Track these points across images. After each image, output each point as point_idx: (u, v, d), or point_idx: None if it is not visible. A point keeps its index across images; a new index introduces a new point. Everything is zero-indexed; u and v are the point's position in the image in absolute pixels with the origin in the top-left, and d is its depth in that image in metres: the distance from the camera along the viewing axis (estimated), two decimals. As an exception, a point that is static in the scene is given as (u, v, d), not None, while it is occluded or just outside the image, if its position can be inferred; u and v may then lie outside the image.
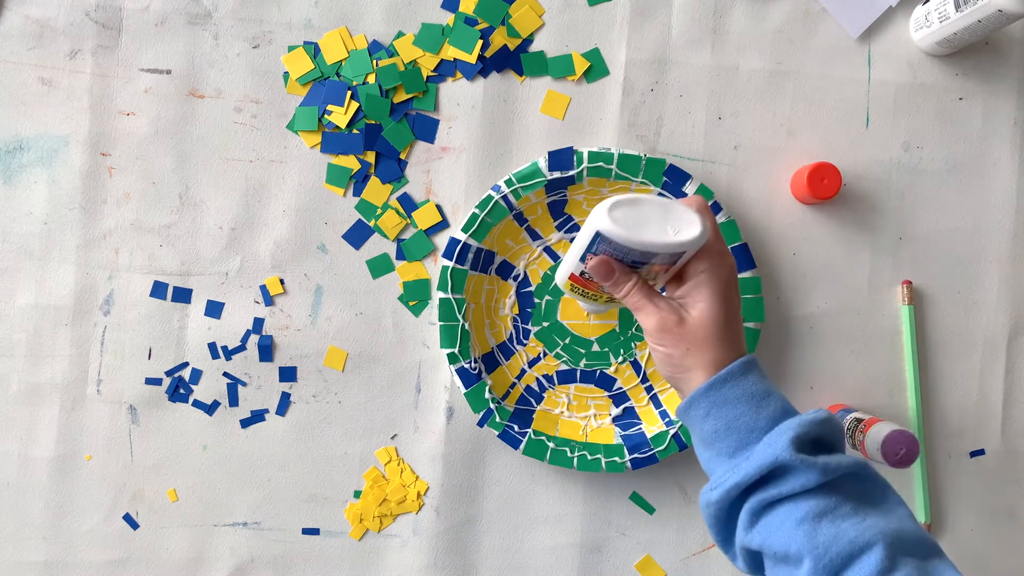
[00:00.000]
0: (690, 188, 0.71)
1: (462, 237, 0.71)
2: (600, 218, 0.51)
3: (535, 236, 0.73)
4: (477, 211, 0.71)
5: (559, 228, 0.73)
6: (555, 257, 0.74)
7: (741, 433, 0.52)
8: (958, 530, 0.75)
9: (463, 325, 0.71)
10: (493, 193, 0.71)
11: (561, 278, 0.58)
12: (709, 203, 0.70)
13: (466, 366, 0.71)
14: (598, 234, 0.52)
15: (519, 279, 0.74)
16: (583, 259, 0.55)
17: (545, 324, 0.74)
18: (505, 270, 0.74)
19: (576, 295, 0.59)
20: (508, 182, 0.70)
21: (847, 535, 0.48)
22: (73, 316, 0.72)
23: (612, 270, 0.54)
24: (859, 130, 0.75)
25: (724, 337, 0.53)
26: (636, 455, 0.72)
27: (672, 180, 0.71)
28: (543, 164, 0.70)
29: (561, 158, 0.70)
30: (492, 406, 0.72)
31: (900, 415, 0.75)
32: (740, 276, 0.71)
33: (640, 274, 0.55)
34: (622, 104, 0.73)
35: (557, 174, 0.70)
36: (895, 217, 0.75)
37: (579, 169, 0.70)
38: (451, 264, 0.71)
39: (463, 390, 0.71)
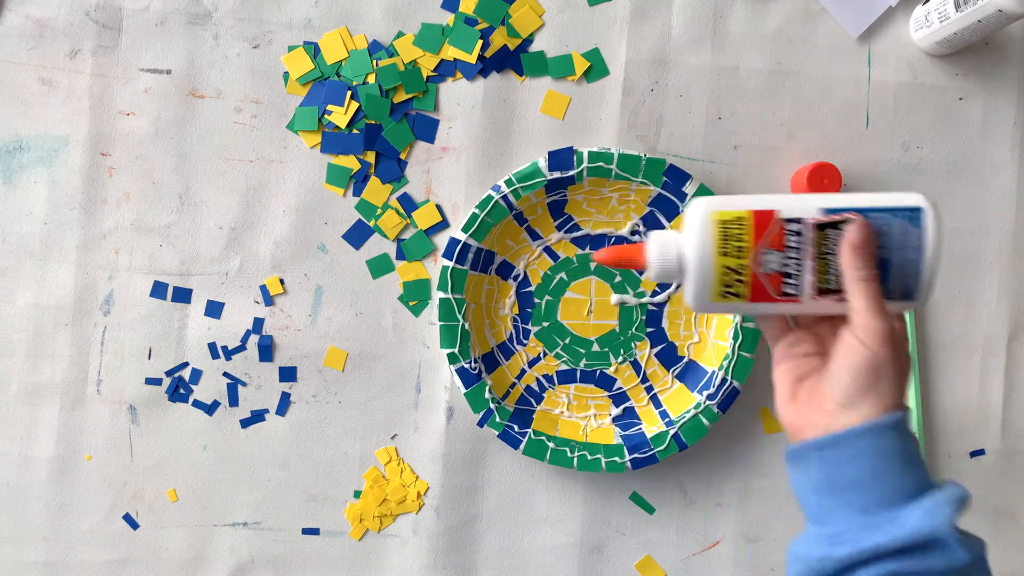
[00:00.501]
0: (690, 188, 0.71)
1: (462, 237, 0.71)
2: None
3: (535, 236, 0.73)
4: (477, 211, 0.71)
5: (559, 228, 0.73)
6: (555, 257, 0.74)
7: (886, 490, 0.46)
8: (958, 530, 0.75)
9: (463, 325, 0.71)
10: (493, 193, 0.71)
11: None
12: None
13: (466, 366, 0.71)
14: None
15: (519, 279, 0.74)
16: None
17: (545, 324, 0.74)
18: (505, 270, 0.74)
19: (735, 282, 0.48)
20: (508, 182, 0.70)
21: None
22: (73, 316, 0.72)
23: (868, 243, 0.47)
24: (859, 130, 0.75)
25: (885, 376, 0.47)
26: (636, 455, 0.72)
27: (672, 180, 0.71)
28: (543, 164, 0.70)
29: (561, 158, 0.70)
30: (492, 406, 0.72)
31: (900, 415, 0.75)
32: None
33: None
34: (622, 104, 0.73)
35: (557, 174, 0.70)
36: (895, 217, 0.75)
37: (579, 169, 0.70)
38: (451, 264, 0.71)
39: (463, 390, 0.71)
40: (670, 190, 0.71)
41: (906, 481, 0.46)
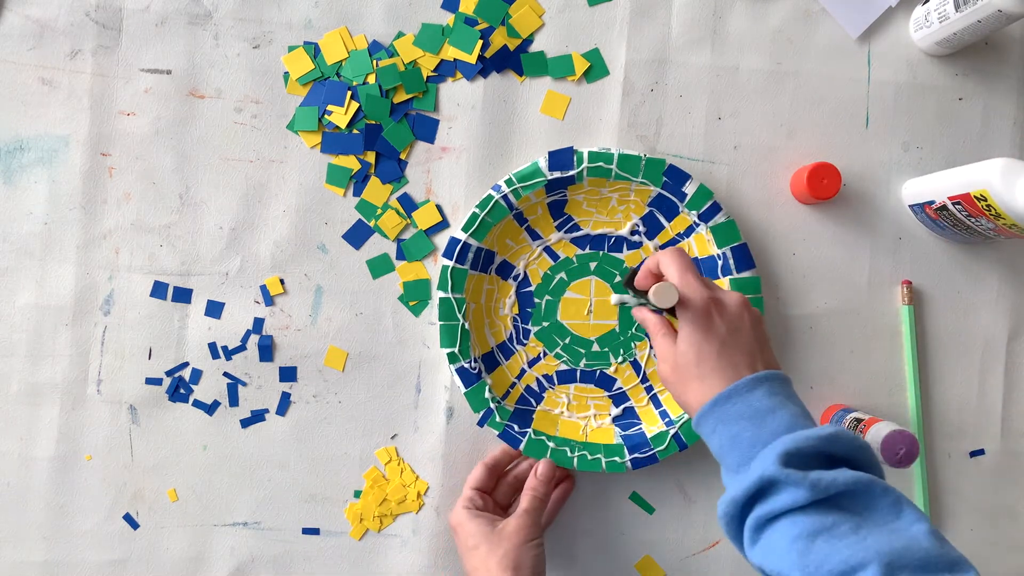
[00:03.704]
0: (690, 188, 0.71)
1: (462, 237, 0.71)
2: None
3: (535, 236, 0.73)
4: (477, 211, 0.71)
5: (559, 228, 0.73)
6: (555, 257, 0.74)
7: (743, 448, 0.53)
8: (958, 530, 0.75)
9: (463, 324, 0.71)
10: (493, 193, 0.71)
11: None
12: (709, 203, 0.70)
13: (466, 365, 0.71)
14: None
15: (519, 279, 0.74)
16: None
17: (545, 324, 0.74)
18: (505, 270, 0.74)
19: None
20: (508, 182, 0.70)
21: (840, 554, 0.46)
22: (73, 316, 0.72)
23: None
24: (859, 130, 0.75)
25: (709, 368, 0.56)
26: (636, 455, 0.72)
27: (672, 180, 0.71)
28: (543, 164, 0.70)
29: (561, 158, 0.70)
30: (492, 406, 0.72)
31: (900, 415, 0.75)
32: (739, 276, 0.71)
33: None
34: (622, 104, 0.73)
35: (557, 174, 0.70)
36: (895, 217, 0.75)
37: (579, 169, 0.70)
38: (451, 264, 0.71)
39: (463, 389, 0.71)
40: (670, 190, 0.71)
41: (761, 435, 0.52)
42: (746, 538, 0.51)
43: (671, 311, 0.59)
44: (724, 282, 0.72)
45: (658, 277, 0.61)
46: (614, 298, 0.74)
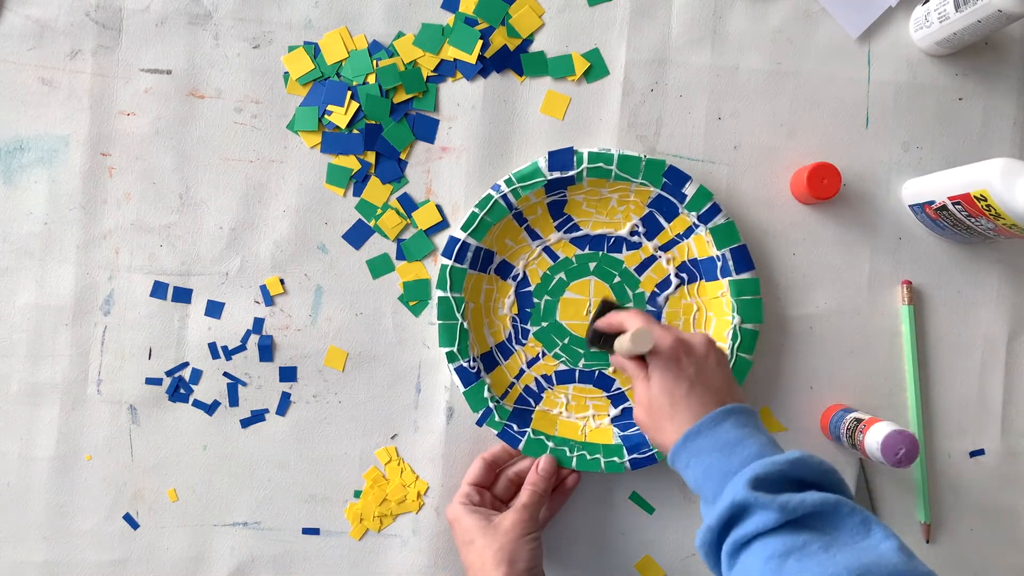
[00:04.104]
0: (689, 189, 0.71)
1: (461, 236, 0.71)
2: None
3: (535, 236, 0.73)
4: (477, 210, 0.71)
5: (558, 228, 0.73)
6: (554, 257, 0.74)
7: (716, 479, 0.55)
8: (958, 530, 0.75)
9: (462, 324, 0.71)
10: (493, 192, 0.71)
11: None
12: (708, 204, 0.71)
13: (465, 365, 0.71)
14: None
15: (518, 279, 0.74)
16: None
17: (544, 324, 0.74)
18: (504, 270, 0.74)
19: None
20: (508, 181, 0.70)
21: (811, 572, 0.47)
22: (73, 316, 0.72)
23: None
24: (859, 130, 0.75)
25: (681, 408, 0.59)
26: (635, 455, 0.72)
27: (672, 181, 0.71)
28: (543, 164, 0.70)
29: (561, 158, 0.70)
30: (491, 405, 0.72)
31: (900, 415, 0.75)
32: (738, 277, 0.71)
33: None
34: (622, 104, 0.73)
35: (557, 174, 0.70)
36: (895, 217, 0.75)
37: (579, 169, 0.70)
38: (450, 263, 0.71)
39: (462, 389, 0.71)
40: (670, 191, 0.71)
41: (731, 465, 0.55)
42: (723, 564, 0.53)
43: (642, 357, 0.62)
44: (723, 283, 0.72)
45: (619, 333, 0.64)
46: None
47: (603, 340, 0.66)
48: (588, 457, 0.72)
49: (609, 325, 0.65)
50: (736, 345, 0.71)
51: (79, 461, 0.73)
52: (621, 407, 0.74)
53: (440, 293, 0.71)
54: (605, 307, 0.68)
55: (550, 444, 0.72)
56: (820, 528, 0.51)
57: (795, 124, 0.74)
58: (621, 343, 0.61)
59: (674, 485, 0.75)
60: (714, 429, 0.57)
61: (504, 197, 0.71)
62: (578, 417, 0.74)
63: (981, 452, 0.76)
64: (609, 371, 0.74)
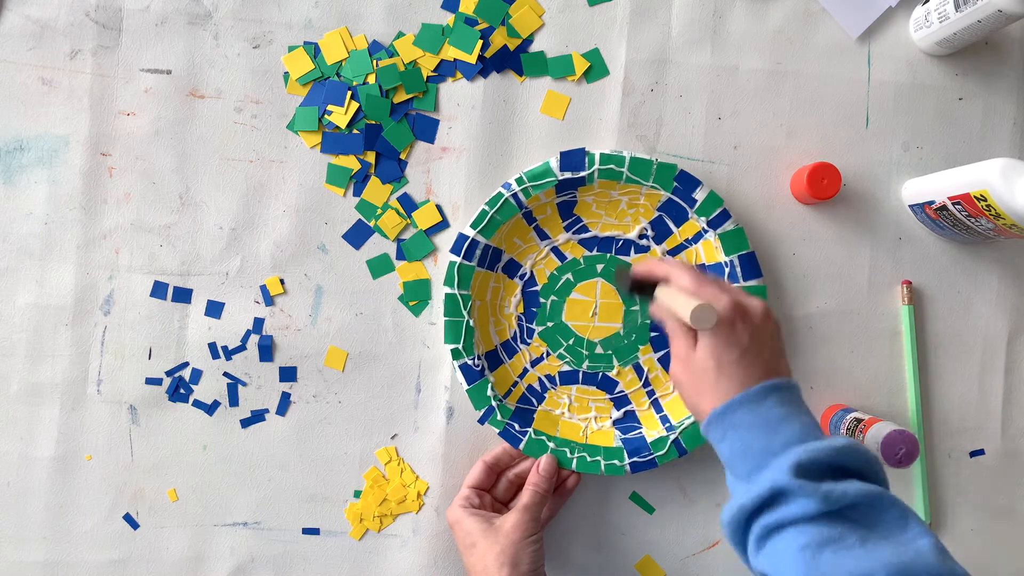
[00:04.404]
0: (700, 194, 0.70)
1: (470, 233, 0.71)
2: None
3: (543, 236, 0.73)
4: (487, 208, 0.71)
5: (567, 229, 0.73)
6: (562, 257, 0.74)
7: (754, 456, 0.53)
8: (958, 530, 0.75)
9: (467, 321, 0.71)
10: (503, 191, 0.71)
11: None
12: (718, 210, 0.70)
13: (469, 362, 0.71)
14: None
15: (525, 278, 0.74)
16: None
17: (549, 324, 0.74)
18: (512, 268, 0.74)
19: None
20: (519, 180, 0.70)
21: (847, 566, 0.46)
22: (73, 316, 0.72)
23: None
24: (859, 130, 0.75)
25: (726, 376, 0.55)
26: (636, 459, 0.72)
27: (682, 185, 0.70)
28: (554, 164, 0.70)
29: (573, 159, 0.70)
30: (493, 404, 0.72)
31: (900, 415, 0.75)
32: (746, 284, 0.71)
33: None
34: (622, 104, 0.73)
35: (568, 174, 0.70)
36: (895, 217, 0.75)
37: (590, 171, 0.70)
38: (459, 260, 0.71)
39: (465, 386, 0.71)
40: (680, 195, 0.71)
41: (773, 444, 0.52)
42: (751, 545, 0.51)
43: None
44: None
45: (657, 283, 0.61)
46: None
47: (642, 288, 0.62)
48: (589, 459, 0.72)
49: (650, 272, 0.61)
50: None
51: (79, 461, 0.73)
52: (623, 410, 0.74)
53: (447, 290, 0.71)
54: (621, 272, 0.66)
55: (551, 445, 0.72)
56: (858, 520, 0.49)
57: (795, 124, 0.74)
58: (668, 300, 0.58)
59: (674, 485, 0.75)
60: (758, 404, 0.54)
61: (514, 196, 0.71)
62: (580, 418, 0.74)
63: (981, 452, 0.76)
64: (612, 373, 0.74)
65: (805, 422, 0.54)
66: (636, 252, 0.73)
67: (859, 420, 0.70)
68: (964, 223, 0.69)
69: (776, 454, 0.52)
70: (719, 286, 0.58)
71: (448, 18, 0.73)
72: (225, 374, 0.73)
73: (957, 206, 0.68)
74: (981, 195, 0.64)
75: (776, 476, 0.50)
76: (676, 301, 0.57)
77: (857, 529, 0.48)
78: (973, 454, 0.76)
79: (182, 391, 0.73)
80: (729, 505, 0.52)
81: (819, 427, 0.55)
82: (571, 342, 0.74)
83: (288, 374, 0.73)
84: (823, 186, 0.71)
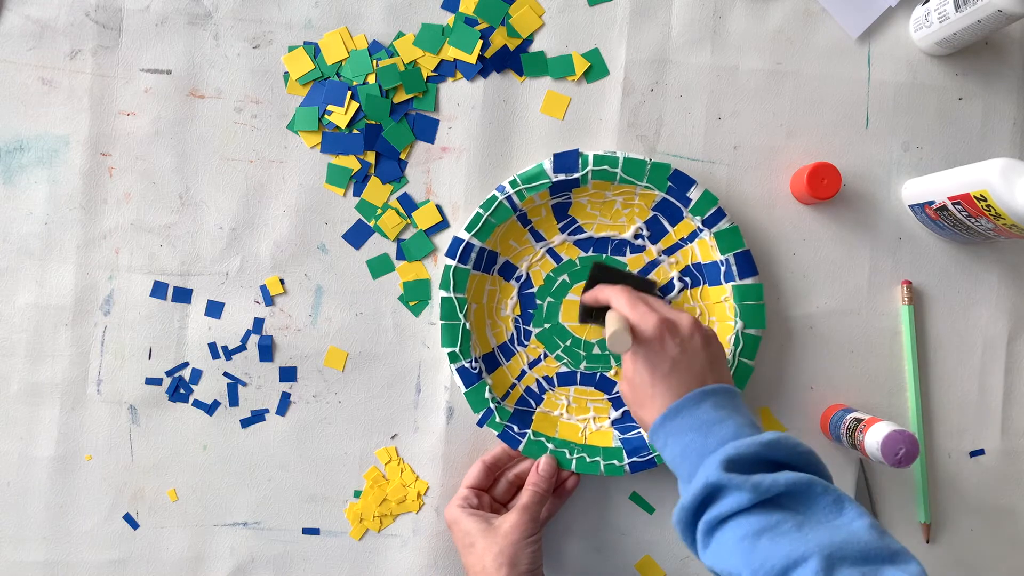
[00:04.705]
0: (694, 193, 0.70)
1: (465, 236, 0.71)
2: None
3: (538, 238, 0.73)
4: (481, 211, 0.71)
5: (562, 230, 0.73)
6: (558, 259, 0.74)
7: (693, 458, 0.56)
8: (958, 530, 0.75)
9: (464, 324, 0.71)
10: (497, 193, 0.71)
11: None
12: (713, 209, 0.71)
13: (466, 365, 0.71)
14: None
15: (521, 280, 0.74)
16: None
17: (546, 326, 0.74)
18: (508, 271, 0.74)
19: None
20: (513, 183, 0.70)
21: (783, 550, 0.48)
22: (73, 316, 0.72)
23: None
24: (859, 130, 0.75)
25: (661, 387, 0.59)
26: (634, 459, 0.72)
27: (677, 185, 0.70)
28: (548, 166, 0.70)
29: (566, 160, 0.70)
30: (492, 406, 0.72)
31: (900, 415, 0.75)
32: (742, 283, 0.71)
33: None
34: (622, 104, 0.73)
35: (562, 176, 0.70)
36: (895, 217, 0.75)
37: (584, 172, 0.70)
38: (454, 263, 0.71)
39: (463, 389, 0.71)
40: (674, 195, 0.71)
41: (708, 445, 0.55)
42: (699, 542, 0.54)
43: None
44: (727, 288, 0.72)
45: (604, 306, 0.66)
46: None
47: (594, 314, 0.68)
48: (588, 459, 0.72)
49: (595, 300, 0.67)
50: (738, 350, 0.71)
51: (79, 461, 0.73)
52: (622, 410, 0.74)
53: (443, 293, 0.71)
54: (597, 272, 0.69)
55: (550, 446, 0.72)
56: (793, 507, 0.51)
57: (795, 124, 0.74)
58: (609, 321, 0.62)
59: (674, 485, 0.75)
60: (693, 409, 0.57)
61: (509, 198, 0.71)
62: (579, 419, 0.74)
63: (981, 452, 0.76)
64: (610, 374, 0.74)
65: (739, 422, 0.56)
66: (632, 252, 0.73)
67: (859, 420, 0.70)
68: (964, 223, 0.69)
69: (710, 453, 0.54)
70: (649, 306, 0.62)
71: (448, 18, 0.73)
72: (225, 374, 0.73)
73: (957, 206, 0.68)
74: (981, 195, 0.64)
75: (708, 473, 0.52)
76: (610, 325, 0.61)
77: (792, 516, 0.51)
78: (973, 454, 0.76)
79: (182, 391, 0.73)
80: (675, 507, 0.55)
81: (755, 426, 0.57)
82: (568, 343, 0.74)
83: (288, 374, 0.73)
84: (823, 186, 0.71)
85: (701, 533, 0.53)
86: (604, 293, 0.66)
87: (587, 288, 0.70)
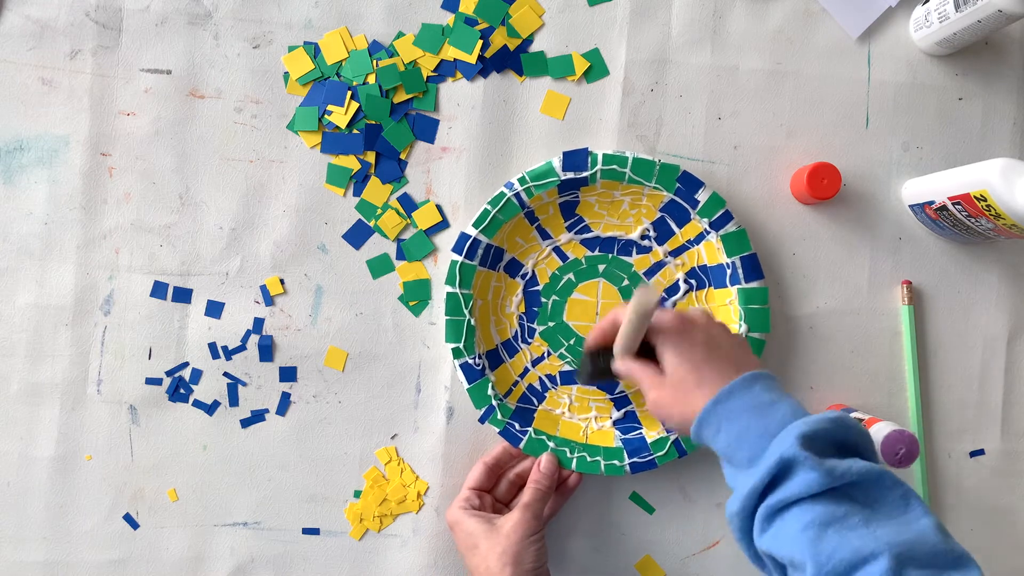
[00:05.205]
0: (703, 195, 0.70)
1: (472, 232, 0.71)
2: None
3: (545, 236, 0.73)
4: (489, 207, 0.70)
5: (569, 229, 0.73)
6: (564, 257, 0.74)
7: (753, 440, 0.53)
8: (958, 530, 0.75)
9: (469, 320, 0.71)
10: (505, 190, 0.70)
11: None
12: (721, 211, 0.70)
13: (470, 361, 0.71)
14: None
15: (527, 278, 0.74)
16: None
17: (551, 324, 0.74)
18: (513, 268, 0.74)
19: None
20: (521, 180, 0.70)
21: (851, 544, 0.47)
22: (73, 316, 0.72)
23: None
24: (859, 130, 0.75)
25: (703, 372, 0.58)
26: (635, 459, 0.72)
27: (685, 187, 0.70)
28: (557, 164, 0.70)
29: (575, 159, 0.70)
30: (494, 403, 0.72)
31: (900, 415, 0.75)
32: (747, 286, 0.71)
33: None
34: (622, 104, 0.73)
35: (571, 174, 0.70)
36: (895, 217, 0.75)
37: (593, 171, 0.70)
38: (460, 259, 0.71)
39: (466, 385, 0.71)
40: (682, 196, 0.71)
41: (770, 426, 0.53)
42: (756, 527, 0.52)
43: (649, 354, 0.61)
44: (732, 291, 0.72)
45: (612, 333, 0.63)
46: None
47: (601, 361, 0.64)
48: (588, 459, 0.72)
49: (603, 333, 0.64)
50: None
51: (79, 461, 0.73)
52: (623, 410, 0.74)
53: (448, 289, 0.71)
54: (583, 364, 0.67)
55: (551, 444, 0.72)
56: (861, 499, 0.50)
57: (795, 124, 0.74)
58: (621, 339, 0.60)
59: (674, 485, 0.75)
60: (746, 391, 0.55)
61: (517, 195, 0.70)
62: (580, 418, 0.74)
63: (981, 452, 0.76)
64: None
65: (794, 403, 0.55)
66: (638, 253, 0.73)
67: (859, 420, 0.70)
68: (964, 223, 0.69)
69: (774, 434, 0.53)
70: (659, 308, 0.61)
71: (448, 18, 0.73)
72: (225, 374, 0.73)
73: (957, 206, 0.68)
74: (981, 195, 0.64)
75: (783, 447, 0.50)
76: (622, 333, 0.60)
77: (860, 509, 0.49)
78: (973, 454, 0.76)
79: (182, 391, 0.73)
80: (736, 495, 0.53)
81: (805, 410, 0.56)
82: (572, 342, 0.74)
83: (288, 374, 0.73)
84: (823, 186, 0.71)
85: (761, 518, 0.51)
86: (603, 321, 0.64)
87: (581, 375, 0.67)
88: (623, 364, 0.62)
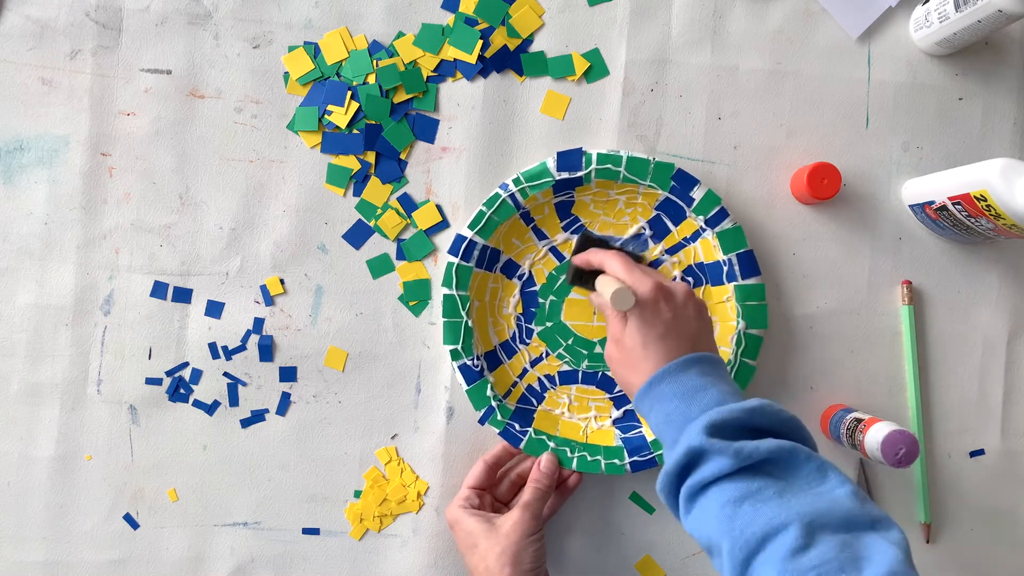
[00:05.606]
0: (698, 193, 0.70)
1: (468, 234, 0.71)
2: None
3: (541, 236, 0.73)
4: (484, 208, 0.71)
5: (565, 229, 0.73)
6: (560, 257, 0.74)
7: (677, 424, 0.55)
8: (958, 530, 0.75)
9: (466, 322, 0.71)
10: (500, 191, 0.71)
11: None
12: (716, 208, 0.71)
13: (468, 363, 0.71)
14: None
15: (524, 278, 0.74)
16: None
17: (548, 324, 0.74)
18: (510, 269, 0.74)
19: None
20: (516, 181, 0.70)
21: (764, 516, 0.48)
22: (73, 316, 0.72)
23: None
24: (859, 130, 0.75)
25: (649, 350, 0.59)
26: (636, 458, 0.72)
27: (680, 184, 0.70)
28: (551, 164, 0.70)
29: (570, 159, 0.70)
30: (493, 404, 0.72)
31: (900, 415, 0.75)
32: (744, 283, 0.71)
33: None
34: (622, 104, 0.73)
35: (565, 175, 0.70)
36: (895, 217, 0.75)
37: (587, 170, 0.70)
38: (456, 260, 0.71)
39: (465, 387, 0.71)
40: (677, 194, 0.71)
41: (691, 412, 0.55)
42: (681, 508, 0.54)
43: None
44: (729, 288, 0.72)
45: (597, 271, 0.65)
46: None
47: (583, 277, 0.67)
48: (589, 458, 0.72)
49: (587, 263, 0.66)
50: (740, 350, 0.71)
51: (79, 461, 0.73)
52: (623, 409, 0.74)
53: (445, 291, 0.71)
54: (584, 242, 0.69)
55: (551, 444, 0.72)
56: (776, 474, 0.51)
57: (795, 124, 0.74)
58: (602, 287, 0.62)
59: (674, 485, 0.75)
60: (678, 376, 0.57)
61: (512, 196, 0.71)
62: (580, 418, 0.74)
63: (981, 452, 0.76)
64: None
65: (724, 389, 0.56)
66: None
67: (859, 420, 0.70)
68: (964, 223, 0.69)
69: (694, 419, 0.54)
70: (644, 271, 0.62)
71: (448, 18, 0.73)
72: (225, 374, 0.73)
73: (957, 206, 0.68)
74: (981, 195, 0.64)
75: (691, 438, 0.52)
76: (606, 287, 0.61)
77: (775, 483, 0.50)
78: (973, 454, 0.76)
79: (182, 391, 0.73)
80: (659, 473, 0.55)
81: (739, 394, 0.57)
82: (570, 342, 0.74)
83: (288, 374, 0.73)
84: (823, 186, 0.71)
85: (683, 499, 0.53)
86: (598, 256, 0.65)
87: (575, 254, 0.69)
88: (598, 301, 0.65)
